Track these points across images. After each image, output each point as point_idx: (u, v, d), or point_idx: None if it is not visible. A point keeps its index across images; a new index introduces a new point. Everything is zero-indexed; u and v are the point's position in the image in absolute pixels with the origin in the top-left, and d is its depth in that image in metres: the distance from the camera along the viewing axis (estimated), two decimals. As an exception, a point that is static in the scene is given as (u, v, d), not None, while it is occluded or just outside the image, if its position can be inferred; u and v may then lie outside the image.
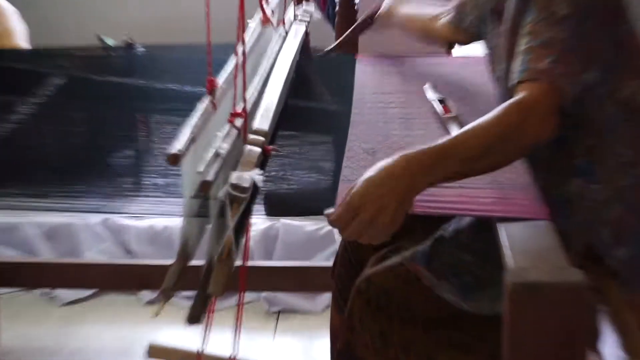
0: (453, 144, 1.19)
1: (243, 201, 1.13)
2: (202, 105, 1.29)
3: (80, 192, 1.56)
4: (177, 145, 1.16)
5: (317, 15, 2.04)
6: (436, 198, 1.27)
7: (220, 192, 1.14)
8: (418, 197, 1.19)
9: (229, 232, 1.11)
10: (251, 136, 1.30)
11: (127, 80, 2.01)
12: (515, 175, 1.36)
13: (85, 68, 2.09)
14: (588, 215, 1.40)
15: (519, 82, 1.28)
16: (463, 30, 1.77)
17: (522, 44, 1.32)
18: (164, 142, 1.71)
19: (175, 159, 1.14)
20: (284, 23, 1.88)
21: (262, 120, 1.36)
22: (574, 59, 1.29)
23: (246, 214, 1.18)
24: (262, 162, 1.27)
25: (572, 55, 1.29)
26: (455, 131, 1.39)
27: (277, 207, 1.48)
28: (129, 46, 2.24)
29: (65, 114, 1.93)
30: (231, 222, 1.11)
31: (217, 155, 1.23)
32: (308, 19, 1.99)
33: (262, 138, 1.29)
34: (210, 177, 1.16)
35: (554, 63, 1.28)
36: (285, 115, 1.62)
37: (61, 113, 1.92)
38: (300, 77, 1.78)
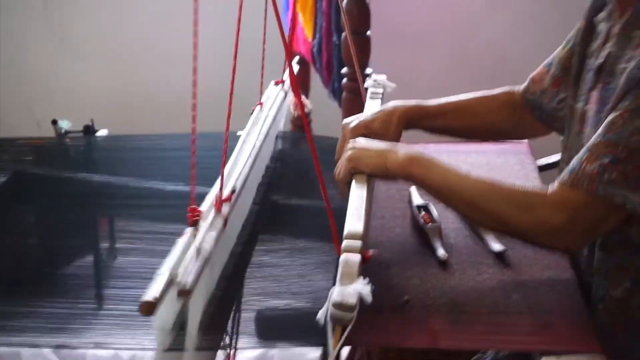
0: (464, 176, 1.46)
1: (349, 322, 1.14)
2: (183, 240, 1.31)
3: (27, 315, 1.59)
4: (153, 291, 1.16)
5: (391, 85, 2.07)
6: (468, 328, 1.33)
7: (320, 313, 1.16)
8: (448, 328, 1.32)
9: None
10: (346, 242, 1.31)
11: (85, 174, 2.07)
12: (559, 297, 1.41)
13: (34, 161, 2.16)
14: None
15: (561, 183, 1.38)
16: (544, 111, 1.78)
17: (596, 135, 1.39)
18: (131, 251, 1.76)
19: (149, 308, 1.15)
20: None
21: (354, 220, 1.37)
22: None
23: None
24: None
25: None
26: (437, 242, 1.59)
27: (271, 329, 1.51)
28: (89, 131, 2.31)
29: (8, 217, 1.98)
30: (334, 349, 1.14)
31: (198, 253, 1.26)
32: (381, 91, 2.01)
33: (358, 242, 1.30)
34: (189, 283, 1.20)
35: (605, 167, 1.34)
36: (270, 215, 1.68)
37: (3, 216, 1.97)
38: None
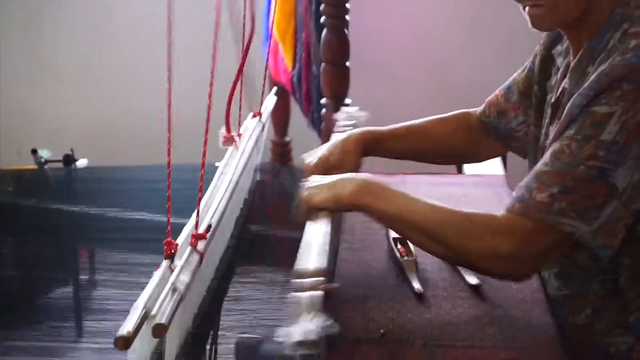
0: (414, 203, 1.47)
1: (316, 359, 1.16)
2: (158, 274, 1.31)
3: (5, 348, 1.60)
4: (128, 326, 1.16)
5: (363, 115, 2.08)
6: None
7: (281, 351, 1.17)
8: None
9: None
10: (308, 280, 1.30)
11: (65, 205, 2.07)
12: (533, 331, 1.42)
13: (15, 191, 2.16)
14: None
15: (511, 212, 1.41)
16: (501, 132, 1.80)
17: (542, 162, 1.43)
18: (110, 282, 1.77)
19: (124, 343, 1.16)
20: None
21: (315, 257, 1.37)
22: (591, 192, 1.37)
23: None
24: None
25: (589, 187, 1.37)
26: (413, 276, 1.59)
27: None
28: (69, 160, 2.32)
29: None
30: None
31: (174, 290, 1.27)
32: (352, 123, 2.01)
33: (321, 279, 1.30)
34: (165, 320, 1.20)
35: (554, 196, 1.38)
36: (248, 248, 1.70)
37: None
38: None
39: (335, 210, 1.54)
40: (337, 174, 1.60)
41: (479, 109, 1.85)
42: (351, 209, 1.54)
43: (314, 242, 1.42)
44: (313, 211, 1.52)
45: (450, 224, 1.44)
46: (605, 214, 1.37)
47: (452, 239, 1.44)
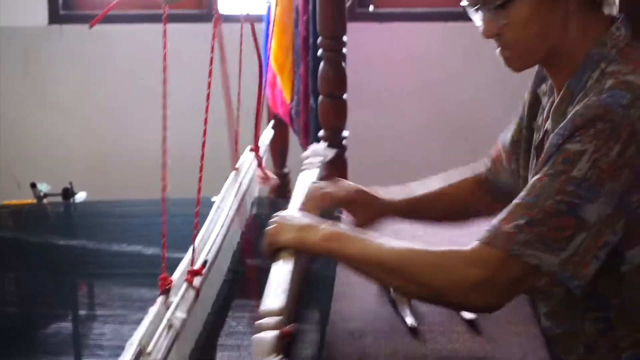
0: (381, 244, 1.47)
1: None
2: (153, 310, 1.31)
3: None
4: None
5: (331, 154, 2.09)
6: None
7: None
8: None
9: None
10: (263, 322, 1.31)
11: (64, 240, 2.08)
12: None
13: (14, 226, 2.17)
14: None
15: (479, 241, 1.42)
16: (503, 189, 1.76)
17: (517, 197, 1.44)
18: (108, 317, 1.77)
19: None
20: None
21: (272, 296, 1.38)
22: (558, 225, 1.38)
23: None
24: (283, 347, 1.28)
25: (557, 221, 1.38)
26: (405, 310, 1.59)
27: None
28: (67, 194, 2.33)
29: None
30: None
31: (169, 326, 1.27)
32: (319, 161, 2.03)
33: (274, 319, 1.31)
34: (160, 356, 1.20)
35: (520, 227, 1.39)
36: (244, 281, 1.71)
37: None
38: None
39: (301, 251, 1.55)
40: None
41: (485, 167, 1.82)
42: (316, 255, 1.57)
43: (276, 281, 1.43)
44: (275, 248, 1.54)
45: (419, 259, 1.45)
46: (573, 246, 1.38)
47: (421, 275, 1.44)
